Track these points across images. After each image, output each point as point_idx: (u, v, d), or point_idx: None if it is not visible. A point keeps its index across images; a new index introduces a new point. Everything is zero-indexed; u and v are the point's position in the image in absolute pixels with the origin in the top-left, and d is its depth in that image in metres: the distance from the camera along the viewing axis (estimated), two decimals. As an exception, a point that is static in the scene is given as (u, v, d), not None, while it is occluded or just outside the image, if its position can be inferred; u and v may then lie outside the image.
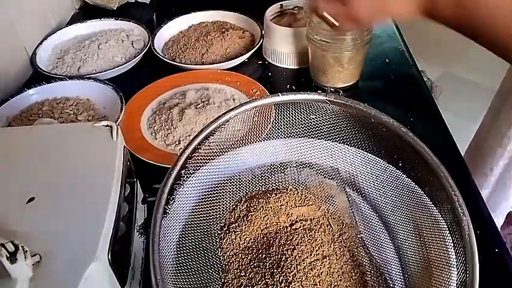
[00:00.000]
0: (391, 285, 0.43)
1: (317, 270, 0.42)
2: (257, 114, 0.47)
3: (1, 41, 0.74)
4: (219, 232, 0.47)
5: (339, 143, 0.49)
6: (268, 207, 0.48)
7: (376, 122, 0.45)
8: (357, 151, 0.49)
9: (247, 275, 0.43)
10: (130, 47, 0.83)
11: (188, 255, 0.43)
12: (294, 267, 0.42)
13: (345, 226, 0.47)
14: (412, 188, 0.45)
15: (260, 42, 0.80)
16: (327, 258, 0.43)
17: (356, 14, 0.46)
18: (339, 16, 0.47)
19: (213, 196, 0.47)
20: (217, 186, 0.48)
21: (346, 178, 0.50)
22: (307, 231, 0.45)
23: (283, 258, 0.43)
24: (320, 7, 0.48)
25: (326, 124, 0.48)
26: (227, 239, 0.46)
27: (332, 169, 0.51)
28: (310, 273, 0.42)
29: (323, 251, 0.44)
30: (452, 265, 0.38)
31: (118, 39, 0.83)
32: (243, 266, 0.44)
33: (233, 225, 0.46)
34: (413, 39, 0.95)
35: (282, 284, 0.41)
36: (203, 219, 0.46)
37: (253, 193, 0.50)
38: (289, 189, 0.49)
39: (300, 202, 0.49)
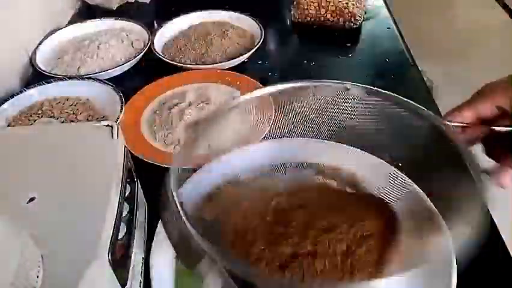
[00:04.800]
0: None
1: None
2: (257, 113, 0.47)
3: (1, 41, 0.74)
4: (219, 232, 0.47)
5: (340, 142, 0.49)
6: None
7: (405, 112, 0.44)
8: (358, 151, 0.49)
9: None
10: (130, 47, 0.83)
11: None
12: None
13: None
14: (413, 188, 0.45)
15: (260, 42, 0.79)
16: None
17: None
18: None
19: (213, 196, 0.47)
20: (217, 187, 0.48)
21: (346, 178, 0.50)
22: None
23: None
24: None
25: (327, 123, 0.48)
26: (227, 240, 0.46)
27: (332, 169, 0.50)
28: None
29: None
30: (452, 272, 0.38)
31: (118, 39, 0.83)
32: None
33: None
34: (413, 39, 0.95)
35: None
36: (203, 220, 0.46)
37: (253, 193, 0.50)
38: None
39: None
